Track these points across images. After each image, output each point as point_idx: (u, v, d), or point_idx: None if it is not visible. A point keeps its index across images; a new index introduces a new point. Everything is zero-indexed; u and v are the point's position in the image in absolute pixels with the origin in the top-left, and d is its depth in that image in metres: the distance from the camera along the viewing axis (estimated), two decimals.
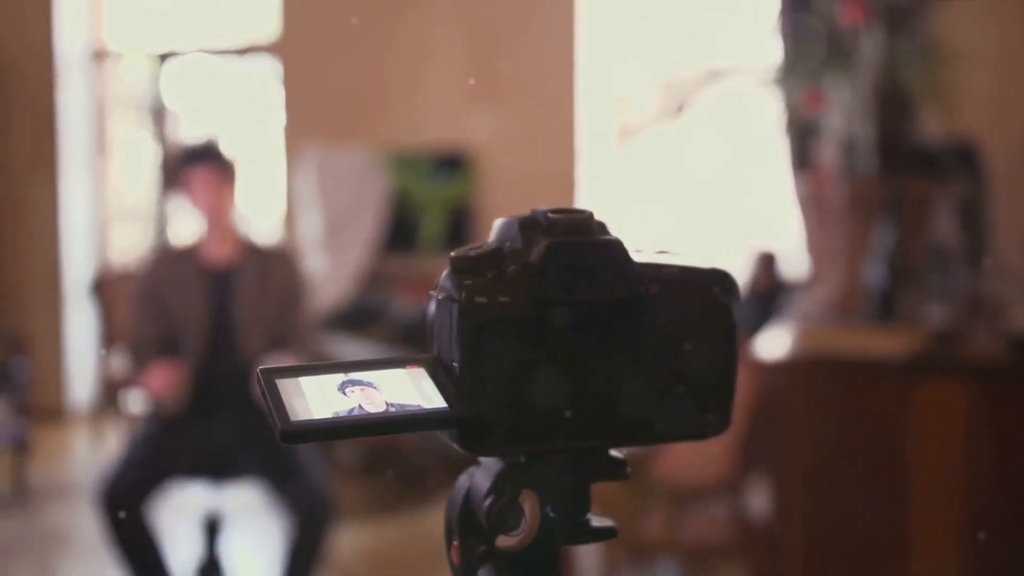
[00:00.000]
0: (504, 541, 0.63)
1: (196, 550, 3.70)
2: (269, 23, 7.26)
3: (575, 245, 0.62)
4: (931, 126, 3.15)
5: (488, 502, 0.63)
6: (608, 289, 0.63)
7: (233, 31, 7.44)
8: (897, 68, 3.00)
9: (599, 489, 2.31)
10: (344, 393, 0.60)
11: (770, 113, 4.25)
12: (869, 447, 2.61)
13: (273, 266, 3.50)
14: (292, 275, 3.54)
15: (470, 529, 0.66)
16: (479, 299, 0.61)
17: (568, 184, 6.44)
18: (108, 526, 3.23)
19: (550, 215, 0.63)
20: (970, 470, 2.53)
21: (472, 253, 0.63)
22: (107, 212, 7.74)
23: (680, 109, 4.01)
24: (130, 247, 7.64)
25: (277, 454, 3.30)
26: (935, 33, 3.13)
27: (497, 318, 0.62)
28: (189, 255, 3.48)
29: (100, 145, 7.65)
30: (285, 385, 0.60)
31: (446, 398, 0.61)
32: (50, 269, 7.35)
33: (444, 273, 0.64)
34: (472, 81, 6.54)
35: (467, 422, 0.61)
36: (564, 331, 0.63)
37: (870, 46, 3.01)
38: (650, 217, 6.70)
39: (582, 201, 6.54)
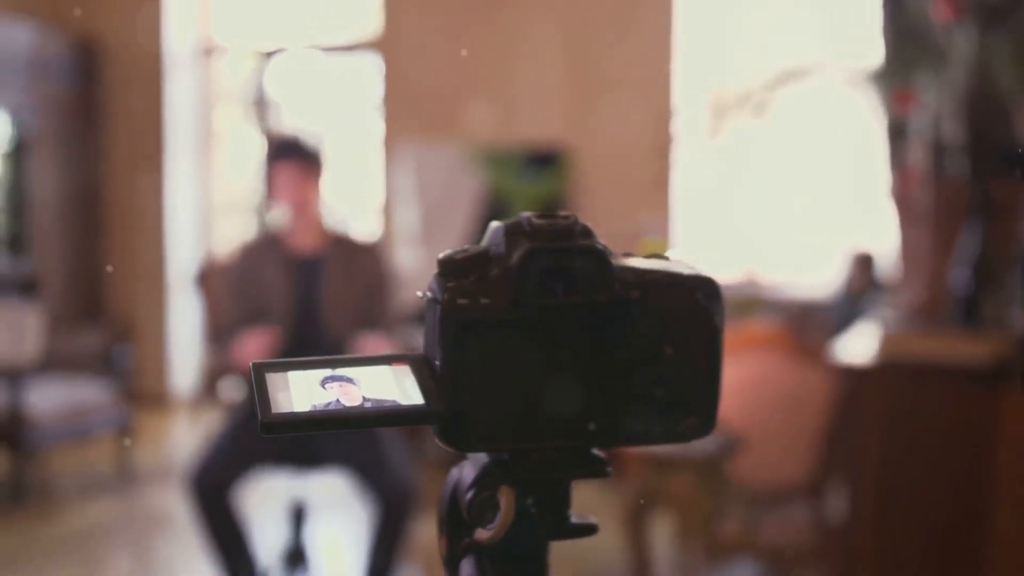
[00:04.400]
0: (480, 534, 0.65)
1: (282, 537, 3.80)
2: (372, 20, 7.37)
3: (553, 250, 0.64)
4: None
5: (469, 496, 0.65)
6: (586, 293, 0.65)
7: (337, 28, 7.58)
8: (990, 67, 2.92)
9: (676, 488, 2.30)
10: (324, 388, 0.63)
11: (863, 112, 4.18)
12: (950, 454, 2.56)
13: (358, 257, 3.58)
14: (376, 266, 3.61)
15: (456, 521, 0.68)
16: (460, 301, 0.64)
17: (662, 181, 6.41)
18: (197, 511, 3.33)
19: (533, 220, 0.65)
20: None
21: (458, 256, 0.65)
22: (212, 203, 7.95)
23: (768, 106, 3.97)
24: (234, 238, 7.83)
25: (362, 444, 3.37)
26: None
27: (478, 319, 0.64)
28: (277, 244, 3.58)
29: (206, 138, 7.86)
30: (273, 379, 0.63)
31: (424, 395, 0.64)
32: (156, 259, 7.58)
33: (433, 274, 0.66)
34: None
35: (440, 418, 0.64)
36: (544, 333, 0.65)
37: (962, 44, 2.95)
38: (745, 215, 6.63)
39: (675, 199, 6.51)
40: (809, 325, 5.11)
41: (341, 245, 3.59)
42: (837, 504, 3.20)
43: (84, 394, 5.57)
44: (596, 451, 0.68)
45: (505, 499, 0.65)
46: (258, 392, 0.62)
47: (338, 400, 0.62)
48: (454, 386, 0.64)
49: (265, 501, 4.21)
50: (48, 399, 5.34)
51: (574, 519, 0.69)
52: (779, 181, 6.53)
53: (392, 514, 3.32)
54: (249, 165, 7.91)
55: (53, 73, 7.22)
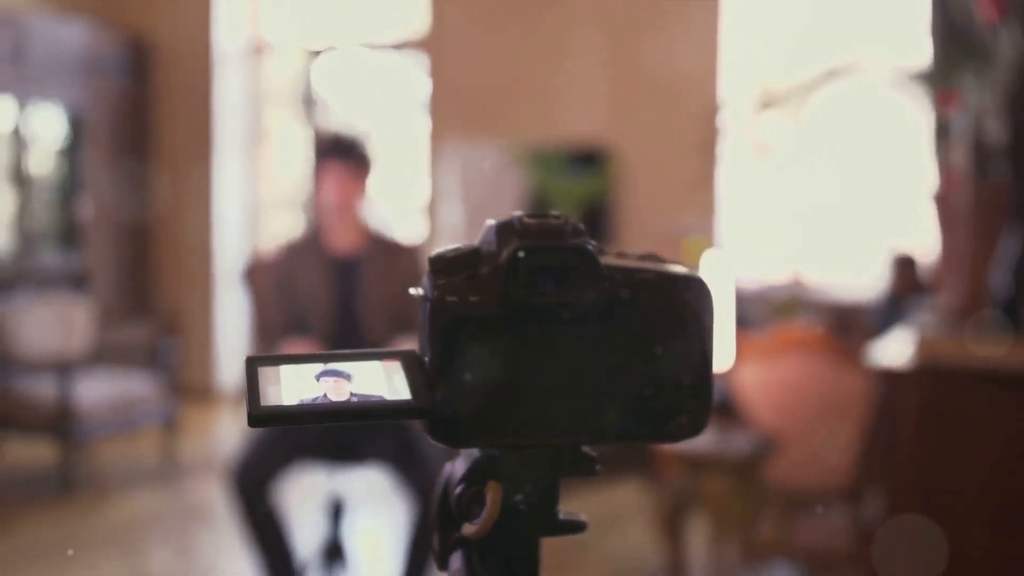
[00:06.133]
0: (467, 529, 0.66)
1: (320, 532, 3.83)
2: (419, 20, 7.41)
3: (542, 249, 0.65)
4: None
5: (458, 490, 0.66)
6: (575, 292, 0.65)
7: (384, 27, 7.62)
8: None
9: (711, 489, 2.30)
10: (318, 381, 0.64)
11: (910, 112, 4.14)
12: (987, 460, 2.53)
13: (397, 258, 3.60)
14: (415, 268, 3.63)
15: (446, 515, 0.69)
16: (450, 298, 0.65)
17: (707, 179, 6.38)
18: (237, 506, 3.37)
19: (525, 219, 0.66)
20: None
21: (449, 254, 0.66)
22: (260, 200, 8.03)
23: (813, 104, 3.95)
24: (281, 234, 7.90)
25: (400, 440, 3.39)
26: None
27: (467, 317, 0.64)
28: (317, 244, 3.61)
29: (254, 135, 7.94)
30: (265, 372, 0.65)
31: (411, 391, 0.65)
32: (204, 255, 7.67)
33: (426, 272, 0.67)
34: None
35: (424, 414, 0.65)
36: (533, 332, 0.65)
37: (1006, 43, 2.91)
38: (790, 215, 6.59)
39: (720, 198, 6.48)
40: (852, 327, 5.07)
41: (380, 246, 3.61)
42: (875, 508, 3.17)
43: (131, 387, 5.66)
44: (586, 449, 0.69)
45: (491, 495, 0.65)
46: (248, 385, 0.63)
47: (325, 395, 0.63)
48: (442, 382, 0.65)
49: (303, 497, 4.25)
50: (96, 391, 5.43)
51: (563, 516, 0.69)
52: (826, 181, 6.48)
53: (429, 510, 3.34)
54: (297, 162, 7.98)
55: (106, 70, 7.33)
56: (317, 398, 0.63)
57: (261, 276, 3.89)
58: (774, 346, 3.56)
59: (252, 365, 0.65)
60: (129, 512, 5.09)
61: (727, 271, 3.68)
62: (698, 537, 3.71)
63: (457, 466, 0.69)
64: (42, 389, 5.36)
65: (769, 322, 5.12)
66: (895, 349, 2.75)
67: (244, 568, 3.93)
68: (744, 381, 3.47)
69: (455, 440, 0.66)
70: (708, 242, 6.14)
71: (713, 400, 0.69)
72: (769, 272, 6.39)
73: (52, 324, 5.77)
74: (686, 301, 0.68)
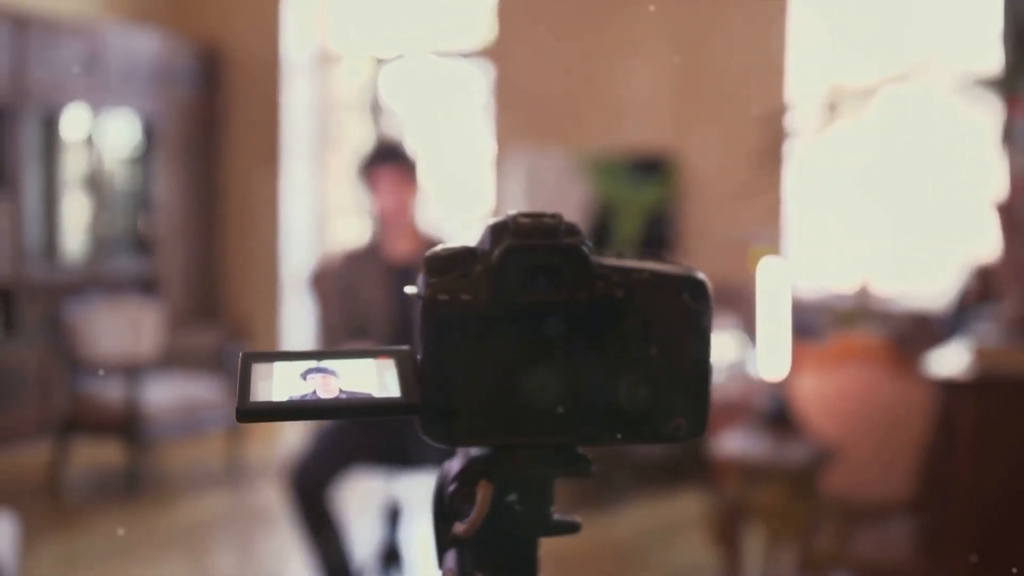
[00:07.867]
0: (457, 527, 0.66)
1: (377, 536, 3.85)
2: (485, 28, 7.44)
3: (532, 248, 0.65)
4: None
5: (451, 489, 0.66)
6: (567, 291, 0.65)
7: (451, 36, 7.66)
8: None
9: (766, 499, 2.27)
10: (305, 379, 0.65)
11: (979, 118, 4.06)
12: None
13: None
14: None
15: (441, 513, 0.69)
16: (441, 297, 0.65)
17: (773, 187, 6.31)
18: (295, 508, 3.41)
19: (519, 218, 0.66)
20: None
21: (443, 253, 0.66)
22: (327, 206, 8.11)
23: (879, 107, 3.91)
24: (347, 240, 7.96)
25: None
26: None
27: (458, 315, 0.65)
28: (376, 252, 3.64)
29: (322, 142, 8.02)
30: (258, 369, 0.65)
31: (401, 388, 0.65)
32: (271, 260, 7.77)
33: (421, 271, 0.68)
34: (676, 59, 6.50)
35: (412, 411, 0.65)
36: (525, 331, 0.65)
37: None
38: (859, 223, 6.49)
39: (787, 206, 6.41)
40: (918, 337, 4.98)
41: None
42: (936, 520, 3.11)
43: (199, 391, 5.74)
44: (580, 450, 0.69)
45: (482, 494, 0.65)
46: (240, 381, 0.64)
47: (315, 392, 0.64)
48: (434, 380, 0.65)
49: (361, 501, 4.27)
50: (164, 394, 5.53)
51: (557, 517, 0.69)
52: (895, 187, 6.37)
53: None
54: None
55: (178, 79, 7.46)
56: (306, 395, 0.64)
57: (326, 282, 3.93)
58: (833, 356, 3.51)
59: (246, 361, 0.66)
60: (194, 514, 5.16)
61: (786, 278, 3.63)
62: (755, 547, 3.66)
63: (453, 465, 0.70)
64: (111, 392, 5.46)
65: (832, 331, 5.05)
66: (954, 359, 2.70)
67: (305, 571, 3.96)
68: (803, 390, 3.43)
69: (447, 439, 0.66)
70: (774, 250, 6.07)
71: (711, 402, 0.68)
72: (837, 280, 6.30)
73: (122, 328, 5.87)
74: (683, 301, 0.67)
